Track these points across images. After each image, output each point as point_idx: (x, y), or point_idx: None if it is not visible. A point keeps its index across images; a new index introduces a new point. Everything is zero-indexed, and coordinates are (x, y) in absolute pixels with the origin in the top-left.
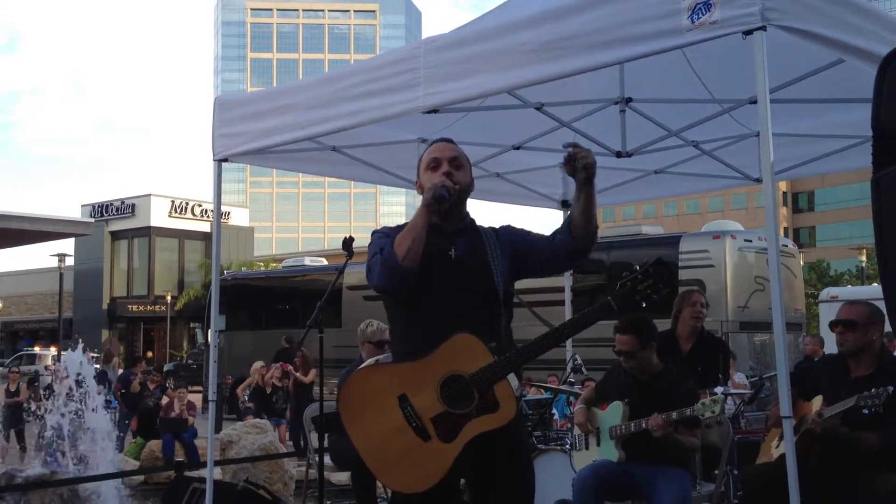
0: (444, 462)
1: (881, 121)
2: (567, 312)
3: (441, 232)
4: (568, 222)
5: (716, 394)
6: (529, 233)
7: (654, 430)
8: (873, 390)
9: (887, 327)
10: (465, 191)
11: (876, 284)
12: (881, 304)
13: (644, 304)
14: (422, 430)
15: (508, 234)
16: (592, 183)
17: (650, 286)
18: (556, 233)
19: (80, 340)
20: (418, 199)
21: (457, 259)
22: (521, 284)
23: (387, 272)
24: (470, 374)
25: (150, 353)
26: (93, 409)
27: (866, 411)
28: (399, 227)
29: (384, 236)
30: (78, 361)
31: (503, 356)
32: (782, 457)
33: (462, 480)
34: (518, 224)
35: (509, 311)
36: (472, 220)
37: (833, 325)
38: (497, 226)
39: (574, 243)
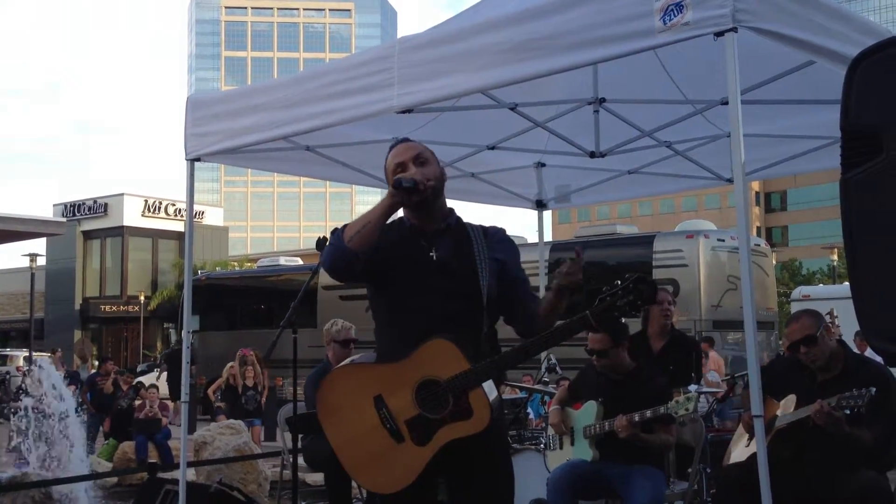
0: (417, 465)
1: (850, 122)
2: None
3: (422, 233)
4: (535, 310)
5: (689, 392)
6: (517, 280)
7: (619, 430)
8: (854, 391)
9: (855, 326)
10: (438, 183)
11: (847, 283)
12: (850, 304)
13: (623, 320)
14: (396, 432)
15: (505, 253)
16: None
17: (629, 303)
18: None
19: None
20: None
21: (438, 261)
22: None
23: (331, 252)
24: (445, 380)
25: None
26: (64, 410)
27: (848, 411)
28: (387, 227)
29: None
30: (50, 369)
31: (478, 364)
32: (753, 456)
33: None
34: (499, 224)
35: (494, 314)
36: (458, 219)
37: (795, 349)
38: (489, 227)
39: (530, 329)
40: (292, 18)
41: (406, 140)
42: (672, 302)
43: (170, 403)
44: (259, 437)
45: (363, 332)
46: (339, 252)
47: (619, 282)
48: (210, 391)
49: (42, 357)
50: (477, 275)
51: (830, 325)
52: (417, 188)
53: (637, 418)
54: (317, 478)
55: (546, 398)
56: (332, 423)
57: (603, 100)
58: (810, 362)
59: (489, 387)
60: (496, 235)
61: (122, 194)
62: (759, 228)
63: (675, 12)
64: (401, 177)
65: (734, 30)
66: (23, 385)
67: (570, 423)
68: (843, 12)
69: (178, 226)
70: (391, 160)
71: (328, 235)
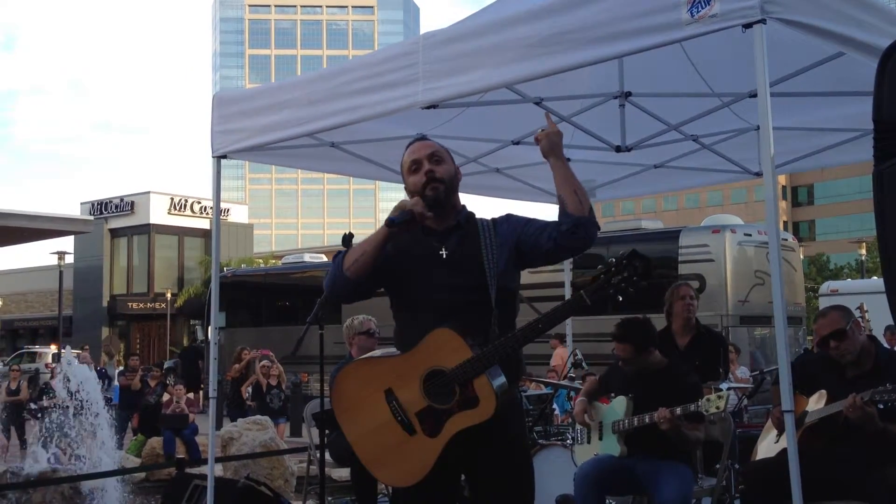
0: (430, 457)
1: (882, 114)
2: None
3: (432, 233)
4: (560, 205)
5: (720, 389)
6: (533, 222)
7: (660, 422)
8: (889, 385)
9: (885, 321)
10: (451, 182)
11: (876, 278)
12: (879, 298)
13: (620, 298)
14: (408, 424)
15: (510, 226)
16: (558, 156)
17: (624, 279)
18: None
19: (78, 349)
20: None
21: (447, 258)
22: (520, 279)
23: (331, 278)
24: (450, 370)
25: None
26: (93, 406)
27: (881, 406)
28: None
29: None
30: (79, 364)
31: (480, 351)
32: (783, 451)
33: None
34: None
35: (507, 306)
36: (470, 215)
37: (824, 344)
38: (497, 216)
39: (569, 219)
40: (315, 16)
41: (420, 138)
42: (694, 296)
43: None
44: (283, 435)
45: (388, 327)
46: (338, 279)
47: (613, 259)
48: (243, 389)
49: (71, 353)
50: (483, 268)
51: (860, 319)
52: (414, 219)
53: (675, 412)
54: (343, 473)
55: (572, 394)
56: (347, 418)
57: (629, 94)
58: (840, 357)
59: (495, 374)
60: (501, 219)
61: (149, 192)
62: (785, 223)
63: (703, 4)
64: (392, 215)
65: (763, 21)
66: (49, 383)
67: (598, 416)
68: (872, 3)
69: (204, 223)
70: (406, 158)
71: (351, 232)
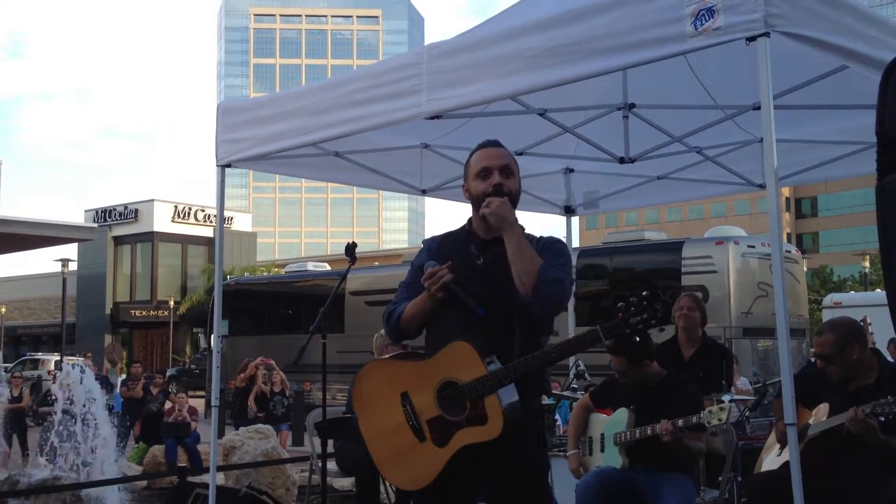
0: (436, 466)
1: (885, 127)
2: (570, 318)
3: (476, 241)
4: None
5: (722, 401)
6: (550, 260)
7: (663, 434)
8: (890, 398)
9: (889, 333)
10: (515, 197)
11: (880, 290)
12: (882, 311)
13: (637, 339)
14: (419, 430)
15: (546, 252)
16: (508, 230)
17: (642, 321)
18: None
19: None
20: (421, 205)
21: (483, 267)
22: None
23: (392, 330)
24: (464, 383)
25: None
26: (94, 414)
27: (882, 419)
28: (447, 235)
29: (413, 278)
30: (80, 373)
31: (492, 371)
32: (786, 464)
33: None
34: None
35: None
36: (520, 228)
37: (816, 361)
38: (550, 236)
39: (520, 299)
40: (320, 25)
41: (496, 143)
42: (693, 307)
43: (199, 407)
44: (286, 443)
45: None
46: (398, 335)
47: (634, 298)
48: (251, 400)
49: (75, 360)
50: (513, 281)
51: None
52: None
53: (677, 424)
54: (344, 483)
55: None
56: (364, 416)
57: (633, 105)
58: (830, 376)
59: (507, 395)
60: (543, 241)
61: (153, 200)
62: (789, 235)
63: (707, 17)
64: (476, 307)
65: (766, 35)
66: (50, 391)
67: (600, 429)
68: (876, 17)
69: (208, 231)
70: (476, 161)
71: (354, 241)
